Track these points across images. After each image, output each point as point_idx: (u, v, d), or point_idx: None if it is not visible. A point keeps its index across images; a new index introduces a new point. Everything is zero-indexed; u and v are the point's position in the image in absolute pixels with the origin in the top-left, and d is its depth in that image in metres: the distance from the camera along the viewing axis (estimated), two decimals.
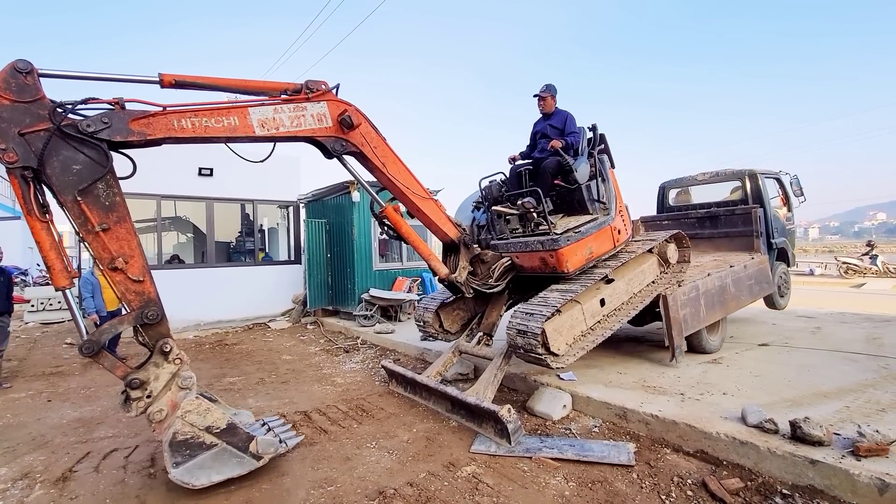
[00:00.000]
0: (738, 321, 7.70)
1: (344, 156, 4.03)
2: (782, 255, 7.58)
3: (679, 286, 5.13)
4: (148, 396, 3.02)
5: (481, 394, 4.17)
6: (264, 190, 10.72)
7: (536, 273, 4.78)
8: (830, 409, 3.72)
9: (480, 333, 5.25)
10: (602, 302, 4.59)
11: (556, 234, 4.45)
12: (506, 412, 3.68)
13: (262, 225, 12.27)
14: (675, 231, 5.50)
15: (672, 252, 5.37)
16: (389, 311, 9.21)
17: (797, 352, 5.73)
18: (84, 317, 7.17)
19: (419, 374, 4.95)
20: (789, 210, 7.93)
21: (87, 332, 2.94)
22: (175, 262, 10.71)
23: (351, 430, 4.15)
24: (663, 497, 2.93)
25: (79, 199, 2.90)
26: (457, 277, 4.67)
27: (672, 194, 8.16)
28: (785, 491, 2.88)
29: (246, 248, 11.54)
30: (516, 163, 5.47)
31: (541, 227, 4.67)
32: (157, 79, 3.23)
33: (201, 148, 12.01)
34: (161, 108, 3.14)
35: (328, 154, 4.00)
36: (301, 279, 11.16)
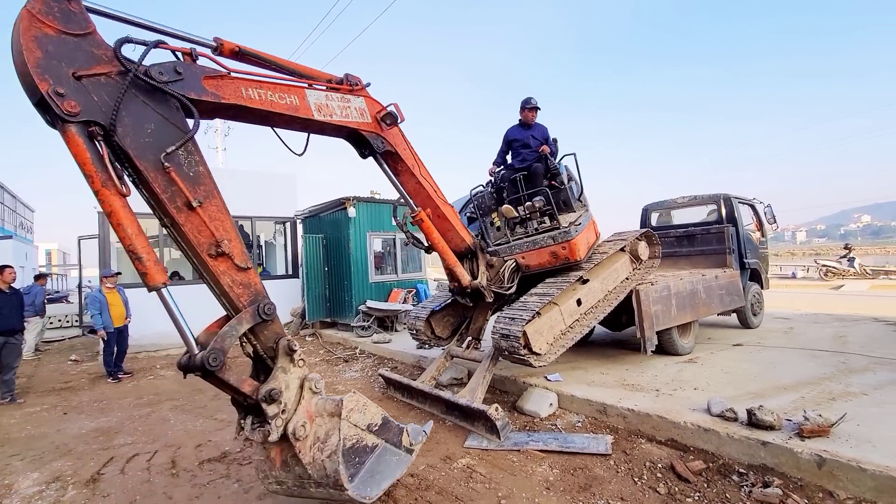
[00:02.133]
0: (718, 325, 8.15)
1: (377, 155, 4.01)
2: (756, 276, 8.07)
3: (652, 285, 5.55)
4: (282, 411, 2.44)
5: (472, 395, 4.53)
6: (262, 207, 11.08)
7: (544, 269, 5.20)
8: (787, 400, 4.13)
9: (469, 338, 5.63)
10: (579, 302, 4.99)
11: (565, 227, 4.98)
12: (494, 411, 4.05)
13: (259, 239, 12.60)
14: (645, 230, 5.95)
15: (643, 249, 5.80)
16: (386, 322, 9.55)
17: (767, 350, 6.17)
18: (92, 332, 7.47)
19: (415, 380, 5.31)
20: (763, 235, 8.49)
21: (193, 344, 2.41)
22: (176, 278, 10.98)
23: None
24: (636, 479, 3.31)
25: (166, 165, 2.34)
26: (480, 283, 4.89)
27: (654, 216, 8.69)
28: (741, 470, 3.27)
29: None
30: (499, 170, 5.95)
31: (543, 225, 5.17)
32: (215, 44, 2.82)
33: None
34: (226, 72, 2.79)
35: (365, 152, 3.95)
36: (299, 293, 11.47)
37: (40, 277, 9.99)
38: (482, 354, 5.14)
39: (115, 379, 7.08)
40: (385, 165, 4.13)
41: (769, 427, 3.42)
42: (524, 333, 4.31)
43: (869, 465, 2.83)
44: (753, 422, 3.50)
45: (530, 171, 5.51)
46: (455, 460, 3.74)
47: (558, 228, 5.05)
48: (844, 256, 18.25)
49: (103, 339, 7.12)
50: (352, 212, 9.54)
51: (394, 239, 10.57)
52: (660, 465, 3.46)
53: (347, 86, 3.64)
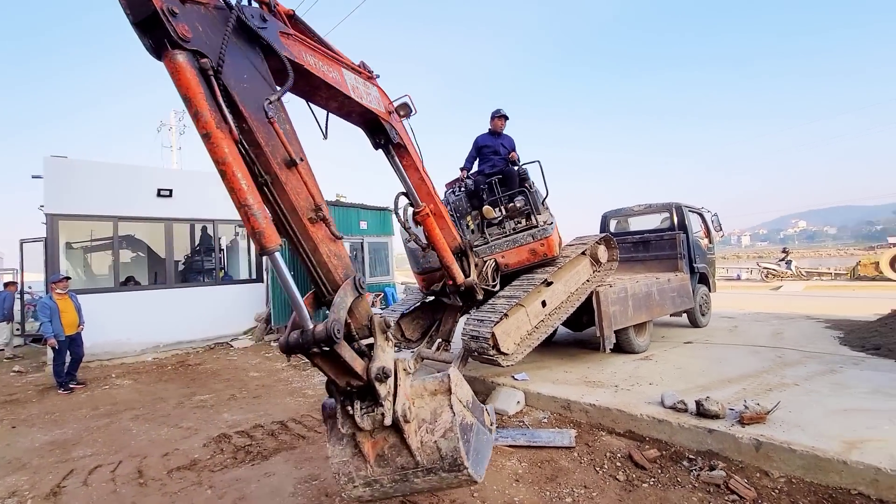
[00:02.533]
0: (671, 324, 8.68)
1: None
2: (704, 280, 8.68)
3: (611, 287, 5.90)
4: (388, 392, 2.27)
5: None
6: (224, 209, 10.80)
7: (523, 266, 5.46)
8: (731, 391, 4.53)
9: (439, 340, 5.77)
10: (543, 303, 5.25)
11: (542, 225, 5.30)
12: None
13: (220, 242, 12.26)
14: (604, 235, 6.31)
15: (602, 253, 6.16)
16: None
17: (714, 347, 6.67)
18: (42, 342, 7.05)
19: None
20: (710, 241, 9.15)
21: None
22: (131, 283, 10.52)
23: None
24: (597, 468, 3.55)
25: (270, 115, 2.15)
26: (474, 280, 4.92)
27: (613, 223, 9.16)
28: (691, 456, 3.58)
29: (205, 268, 11.49)
30: (471, 174, 6.17)
31: (520, 225, 5.49)
32: (270, 1, 2.62)
33: (160, 170, 11.91)
34: (291, 32, 2.70)
35: (380, 141, 3.87)
36: (263, 297, 11.25)
37: (10, 284, 9.64)
38: (452, 356, 5.30)
39: (67, 390, 6.74)
40: (395, 158, 4.06)
41: (715, 416, 3.76)
42: (493, 334, 4.51)
43: (798, 447, 3.19)
44: (701, 412, 3.83)
45: (506, 174, 5.76)
46: None
47: (536, 227, 5.37)
48: (783, 259, 19.73)
49: (53, 347, 6.77)
50: None
51: (361, 243, 10.59)
52: (619, 455, 3.73)
53: (366, 73, 3.59)
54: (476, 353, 4.65)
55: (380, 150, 4.10)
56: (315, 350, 2.08)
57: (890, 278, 16.48)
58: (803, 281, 18.27)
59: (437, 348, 5.57)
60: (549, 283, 5.32)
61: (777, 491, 3.05)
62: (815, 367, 5.26)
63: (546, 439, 4.05)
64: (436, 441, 2.25)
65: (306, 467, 3.81)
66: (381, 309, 10.36)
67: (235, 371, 7.76)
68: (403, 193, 4.38)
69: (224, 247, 12.55)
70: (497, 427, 4.44)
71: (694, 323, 8.38)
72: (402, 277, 16.17)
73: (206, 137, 1.92)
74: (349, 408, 2.24)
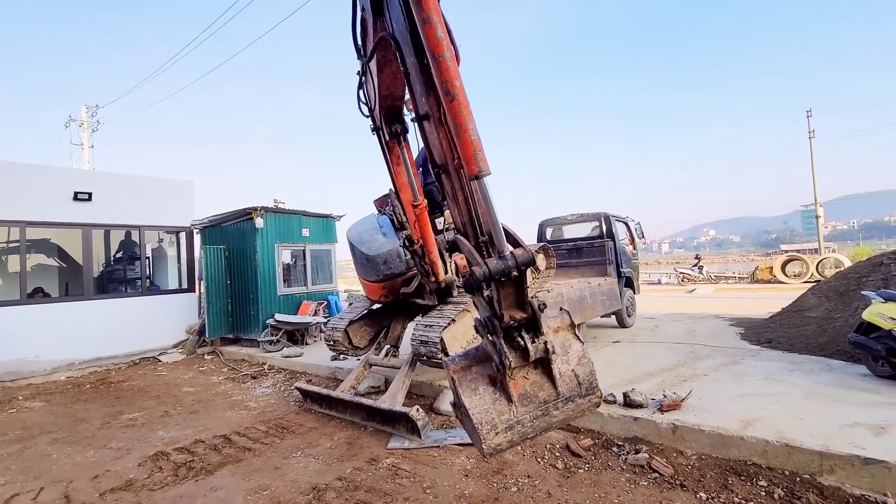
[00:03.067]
0: (600, 325, 9.37)
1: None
2: (630, 283, 9.49)
3: (549, 292, 6.33)
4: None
5: (393, 400, 4.80)
6: (152, 215, 10.14)
7: None
8: (653, 383, 5.06)
9: (388, 346, 5.88)
10: None
11: None
12: (415, 412, 4.35)
13: (146, 250, 11.43)
14: (543, 244, 6.77)
15: (541, 260, 6.59)
16: (296, 335, 9.32)
17: (639, 345, 7.34)
18: None
19: (333, 390, 5.41)
20: (634, 248, 10.03)
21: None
22: (39, 295, 9.52)
23: (274, 446, 4.46)
24: (539, 459, 3.85)
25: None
26: (452, 278, 5.17)
27: (549, 231, 9.75)
28: (619, 442, 3.99)
29: (128, 277, 10.66)
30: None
31: None
32: None
33: (76, 172, 10.92)
34: None
35: (393, 131, 3.79)
36: (195, 308, 10.64)
37: None
38: (401, 361, 5.42)
39: None
40: (405, 149, 3.99)
41: (639, 405, 4.22)
42: (441, 339, 4.70)
43: (706, 427, 3.69)
44: (628, 402, 4.28)
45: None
46: (380, 461, 3.97)
47: None
48: (695, 265, 21.85)
49: None
50: (259, 222, 9.20)
51: (303, 250, 10.37)
52: (558, 446, 4.05)
53: None
54: (425, 358, 4.82)
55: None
56: (504, 279, 2.07)
57: (781, 281, 18.85)
58: (713, 284, 20.36)
59: (386, 354, 5.68)
60: None
61: (690, 467, 3.50)
62: (721, 360, 6.00)
63: None
64: (572, 369, 2.37)
65: (255, 478, 3.75)
66: (325, 318, 10.21)
67: (166, 387, 7.31)
68: (395, 192, 4.40)
69: (150, 254, 11.73)
70: (445, 427, 4.64)
71: (621, 323, 9.12)
72: (345, 285, 15.95)
73: (441, 57, 1.95)
74: (519, 339, 2.17)
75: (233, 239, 9.87)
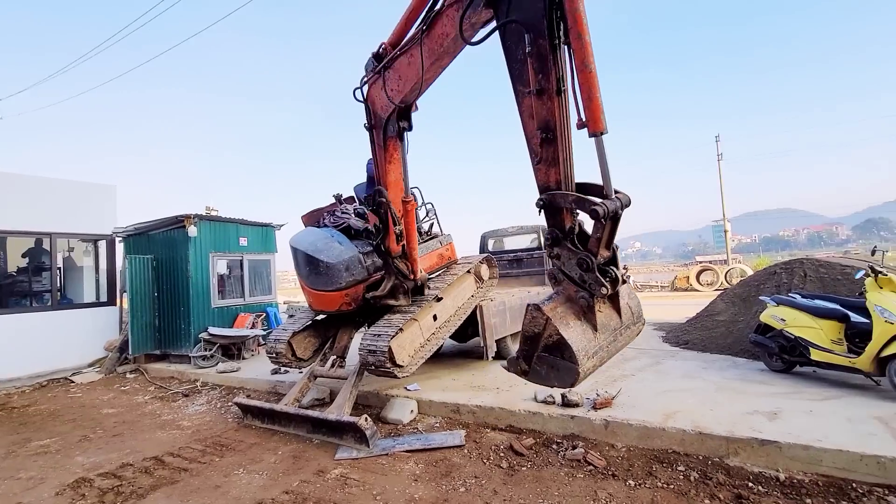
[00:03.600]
0: None
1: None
2: None
3: (492, 301, 6.59)
4: None
5: (340, 411, 4.77)
6: (66, 221, 9.26)
7: (433, 270, 6.16)
8: (587, 384, 5.42)
9: (334, 357, 5.82)
10: (435, 317, 5.67)
11: (443, 236, 6.36)
12: (364, 421, 4.37)
13: (58, 259, 10.36)
14: (486, 255, 7.04)
15: (485, 271, 6.86)
16: (232, 350, 8.88)
17: None
18: None
19: (276, 404, 5.27)
20: None
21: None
22: None
23: (213, 464, 4.27)
24: (484, 460, 4.02)
25: None
26: (425, 277, 5.60)
27: (490, 242, 10.11)
28: (559, 440, 4.26)
29: (34, 290, 9.60)
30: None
31: (426, 236, 6.32)
32: None
33: None
34: None
35: (402, 128, 4.53)
36: (116, 323, 9.81)
37: None
38: (347, 372, 5.40)
39: None
40: (406, 145, 4.65)
41: (575, 405, 4.54)
42: (390, 348, 4.76)
43: (633, 422, 4.06)
44: (566, 402, 4.58)
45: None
46: (328, 472, 3.94)
47: (441, 235, 6.34)
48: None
49: None
50: (192, 231, 8.72)
51: (241, 260, 9.94)
52: (502, 447, 4.25)
53: None
54: (373, 367, 4.84)
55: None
56: (614, 217, 2.63)
57: (696, 289, 20.77)
58: (638, 293, 21.98)
59: (332, 365, 5.62)
60: (440, 299, 5.78)
61: (620, 458, 3.83)
62: (646, 361, 6.56)
63: (439, 441, 4.42)
64: (626, 302, 2.96)
65: (194, 499, 3.58)
66: (265, 330, 9.82)
67: (82, 409, 6.68)
68: (381, 188, 4.80)
69: (62, 264, 10.66)
70: (393, 435, 4.69)
71: None
72: (284, 297, 15.39)
73: (586, 39, 2.59)
74: (611, 271, 2.72)
75: (162, 248, 9.25)
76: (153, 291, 9.18)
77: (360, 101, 4.54)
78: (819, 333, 4.90)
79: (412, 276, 5.24)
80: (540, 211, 2.97)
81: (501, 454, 4.12)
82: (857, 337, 4.75)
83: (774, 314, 5.39)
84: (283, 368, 7.23)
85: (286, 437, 4.89)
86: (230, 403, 6.37)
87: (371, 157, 6.58)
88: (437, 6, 3.56)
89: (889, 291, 4.48)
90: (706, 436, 3.71)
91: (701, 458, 3.68)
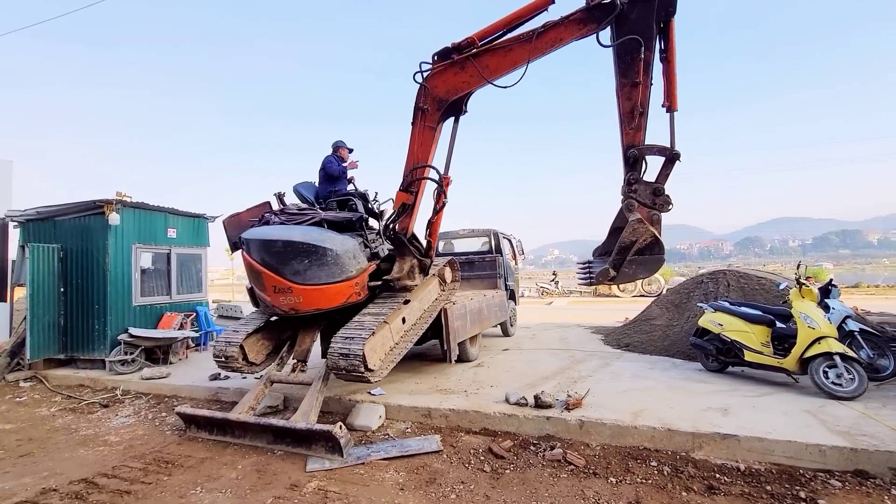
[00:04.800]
0: (487, 335, 9.99)
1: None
2: (512, 296, 10.34)
3: (454, 304, 6.58)
4: None
5: (306, 418, 4.46)
6: None
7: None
8: (552, 385, 5.62)
9: (294, 361, 5.44)
10: (403, 320, 5.53)
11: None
12: (338, 429, 4.11)
13: None
14: (450, 258, 7.02)
15: (448, 274, 6.84)
16: (157, 353, 7.95)
17: (526, 352, 8.04)
18: None
19: (227, 412, 4.80)
20: (516, 263, 10.98)
21: None
22: None
23: (162, 484, 3.77)
24: (466, 465, 3.97)
25: None
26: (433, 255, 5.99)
27: (441, 244, 10.10)
28: (535, 441, 4.33)
29: None
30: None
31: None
32: None
33: None
34: None
35: (460, 110, 5.46)
36: (6, 323, 8.34)
37: None
38: (310, 377, 5.07)
39: None
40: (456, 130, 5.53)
41: (548, 406, 4.66)
42: (363, 352, 4.54)
43: (607, 421, 4.26)
44: (539, 404, 4.68)
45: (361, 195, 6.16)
46: (302, 486, 3.65)
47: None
48: (553, 280, 24.71)
49: None
50: (114, 218, 7.67)
51: (168, 254, 8.95)
52: (481, 450, 4.23)
53: None
54: (344, 372, 4.59)
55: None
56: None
57: (617, 295, 22.46)
58: (566, 297, 23.28)
59: (294, 370, 5.24)
60: (408, 301, 5.64)
61: (597, 456, 3.99)
62: (596, 362, 6.93)
63: (416, 447, 4.29)
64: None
65: None
66: (196, 331, 8.92)
67: None
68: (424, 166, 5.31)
69: None
70: (365, 443, 4.48)
71: (505, 332, 9.87)
72: (216, 295, 14.12)
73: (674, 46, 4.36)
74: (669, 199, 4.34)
75: (73, 237, 8.04)
76: (59, 286, 7.94)
77: (418, 83, 5.11)
78: (751, 337, 5.50)
79: (431, 254, 5.79)
80: (629, 160, 4.40)
81: (482, 457, 4.10)
82: (780, 340, 5.42)
83: (712, 319, 5.96)
84: (223, 374, 6.64)
85: (242, 450, 4.46)
86: (165, 413, 5.69)
87: (334, 157, 6.36)
88: (557, 19, 4.68)
89: (809, 301, 5.16)
90: (674, 432, 3.99)
91: (669, 453, 3.94)
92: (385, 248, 5.80)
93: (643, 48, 4.24)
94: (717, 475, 3.57)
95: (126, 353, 7.51)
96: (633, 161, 4.35)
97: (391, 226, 5.36)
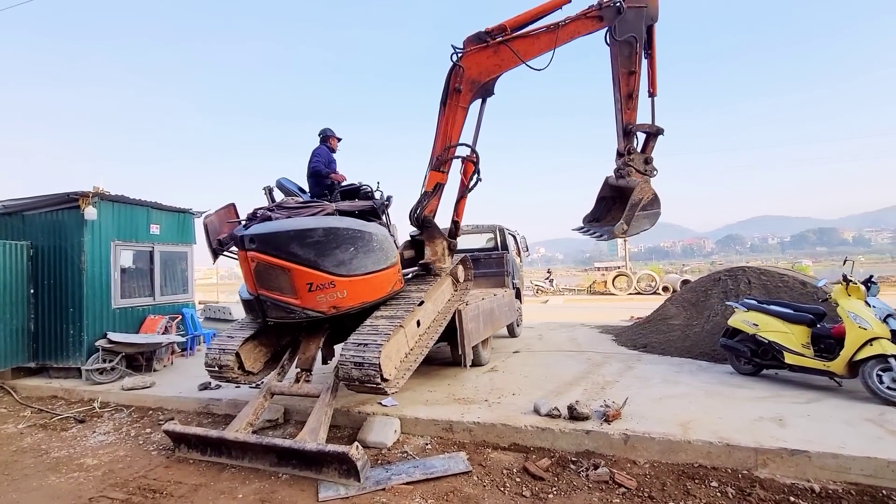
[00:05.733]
0: (496, 337, 9.52)
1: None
2: (518, 295, 9.86)
3: (468, 305, 6.09)
4: None
5: (315, 436, 3.93)
6: None
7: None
8: (578, 392, 5.17)
9: (297, 370, 4.89)
10: (418, 323, 5.02)
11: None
12: (355, 450, 3.59)
13: None
14: (463, 256, 6.52)
15: (461, 273, 6.36)
16: (139, 360, 7.29)
17: (538, 354, 7.60)
18: None
19: (222, 429, 4.25)
20: (521, 260, 10.53)
21: None
22: None
23: None
24: (501, 489, 3.49)
25: None
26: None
27: None
28: (573, 459, 3.88)
29: None
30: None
31: None
32: None
33: None
34: None
35: (488, 92, 5.68)
36: None
37: None
38: (317, 388, 4.52)
39: None
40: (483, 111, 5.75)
41: (585, 418, 4.20)
42: (380, 360, 4.03)
43: (655, 434, 3.82)
44: (574, 415, 4.22)
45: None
46: None
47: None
48: (548, 278, 24.42)
49: None
50: (90, 213, 6.98)
51: (151, 251, 8.28)
52: (515, 470, 3.76)
53: None
54: (357, 383, 4.06)
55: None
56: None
57: (612, 292, 22.26)
58: (561, 295, 23.01)
59: (297, 380, 4.69)
60: (421, 303, 5.14)
61: (648, 476, 3.55)
62: (617, 366, 6.52)
63: (441, 468, 3.79)
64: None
65: None
66: (181, 336, 8.26)
67: None
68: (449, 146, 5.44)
69: None
70: (382, 463, 3.97)
71: (512, 333, 9.42)
72: (200, 295, 13.39)
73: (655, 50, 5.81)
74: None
75: (44, 233, 7.32)
76: (28, 288, 7.22)
77: (453, 63, 5.21)
78: (790, 338, 5.13)
79: (457, 235, 6.02)
80: (627, 135, 5.72)
81: (517, 479, 3.62)
82: (820, 341, 5.07)
83: (745, 319, 5.58)
84: (213, 383, 6.04)
85: (241, 474, 3.90)
86: (150, 430, 5.09)
87: (325, 147, 5.83)
88: (576, 14, 5.54)
89: (856, 298, 4.80)
90: (734, 447, 3.57)
91: (730, 471, 3.52)
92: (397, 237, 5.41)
93: (637, 44, 5.53)
94: (791, 497, 3.16)
95: (105, 361, 6.84)
96: (628, 135, 5.66)
97: (418, 210, 5.43)
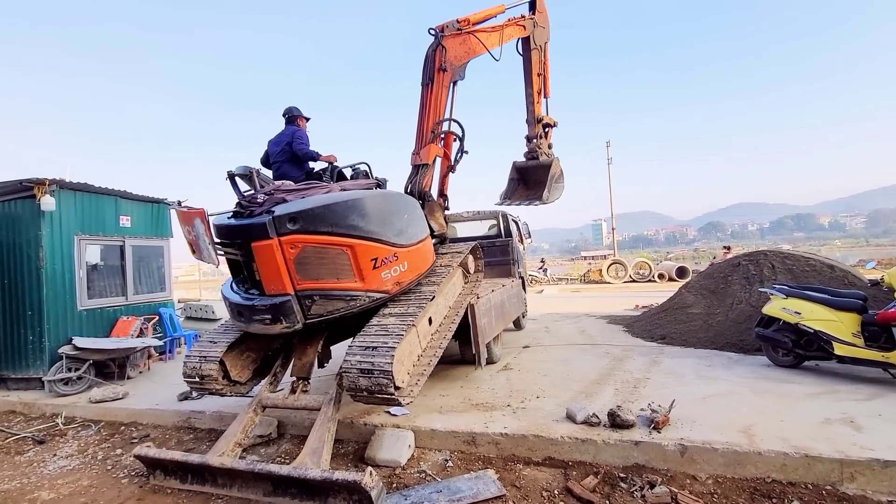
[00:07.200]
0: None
1: None
2: (523, 284, 9.28)
3: (479, 298, 5.50)
4: None
5: (317, 458, 3.30)
6: None
7: None
8: (609, 392, 4.64)
9: (293, 378, 4.23)
10: (430, 320, 4.41)
11: None
12: (369, 478, 2.96)
13: None
14: (474, 244, 5.89)
15: (471, 263, 5.74)
16: (111, 367, 6.53)
17: (551, 349, 7.06)
18: None
19: (205, 451, 3.59)
20: (524, 247, 9.95)
21: None
22: None
23: None
24: None
25: None
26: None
27: None
28: (621, 475, 3.33)
29: None
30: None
31: None
32: None
33: None
34: None
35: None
36: None
37: None
38: (317, 400, 3.88)
39: None
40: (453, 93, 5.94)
41: (630, 425, 3.65)
42: (392, 366, 3.40)
43: (718, 446, 3.28)
44: (617, 423, 3.67)
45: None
46: None
47: None
48: (541, 268, 24.00)
49: None
50: (48, 203, 6.15)
51: (121, 246, 7.47)
52: (556, 491, 3.20)
53: None
54: (366, 394, 3.44)
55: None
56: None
57: (607, 281, 21.95)
58: (555, 285, 22.61)
59: (294, 390, 4.04)
60: (433, 297, 4.51)
61: (714, 494, 3.02)
62: (641, 360, 6.00)
63: (469, 492, 3.21)
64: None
65: None
66: (159, 338, 7.51)
67: None
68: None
69: None
70: (398, 487, 3.37)
71: (518, 326, 8.87)
72: (181, 293, 12.52)
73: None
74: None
75: None
76: None
77: (432, 35, 5.52)
78: (840, 326, 4.67)
79: (447, 206, 6.31)
80: (535, 123, 7.53)
81: (560, 502, 3.06)
82: (868, 330, 4.61)
83: (786, 307, 5.11)
84: (195, 393, 5.33)
85: None
86: (121, 450, 4.40)
87: (300, 134, 5.16)
88: (507, 20, 6.56)
89: None
90: (814, 459, 3.06)
91: (811, 486, 3.01)
92: None
93: (543, 53, 7.38)
94: None
95: (70, 370, 6.07)
96: (537, 123, 7.47)
97: (415, 183, 5.46)
